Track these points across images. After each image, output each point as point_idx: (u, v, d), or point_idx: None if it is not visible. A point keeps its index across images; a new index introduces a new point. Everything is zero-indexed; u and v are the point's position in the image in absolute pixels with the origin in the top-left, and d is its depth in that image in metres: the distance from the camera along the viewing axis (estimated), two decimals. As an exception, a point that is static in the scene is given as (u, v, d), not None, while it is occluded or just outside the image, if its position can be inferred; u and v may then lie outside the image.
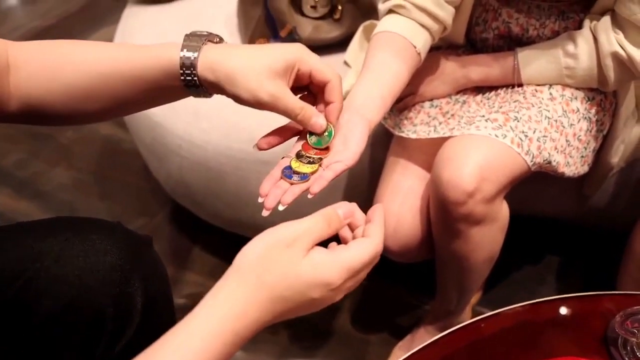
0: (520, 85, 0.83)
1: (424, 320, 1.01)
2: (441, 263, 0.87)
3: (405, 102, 0.88)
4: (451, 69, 0.86)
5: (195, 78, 0.50)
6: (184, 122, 0.97)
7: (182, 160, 0.99)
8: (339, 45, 1.02)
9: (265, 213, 0.56)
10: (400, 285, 1.16)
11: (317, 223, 0.45)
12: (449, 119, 0.84)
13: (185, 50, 0.49)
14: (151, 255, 0.60)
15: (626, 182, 0.98)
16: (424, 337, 0.99)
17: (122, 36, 1.16)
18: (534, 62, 0.81)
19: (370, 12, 1.01)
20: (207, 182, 1.00)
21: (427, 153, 0.84)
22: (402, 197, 0.83)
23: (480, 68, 0.84)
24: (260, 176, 0.95)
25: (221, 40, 0.54)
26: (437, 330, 0.98)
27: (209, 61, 0.50)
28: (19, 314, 0.52)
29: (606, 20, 0.76)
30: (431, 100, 0.88)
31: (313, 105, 0.57)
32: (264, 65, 0.50)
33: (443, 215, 0.76)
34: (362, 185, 0.97)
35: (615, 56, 0.76)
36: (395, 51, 0.71)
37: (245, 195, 0.99)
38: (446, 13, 0.77)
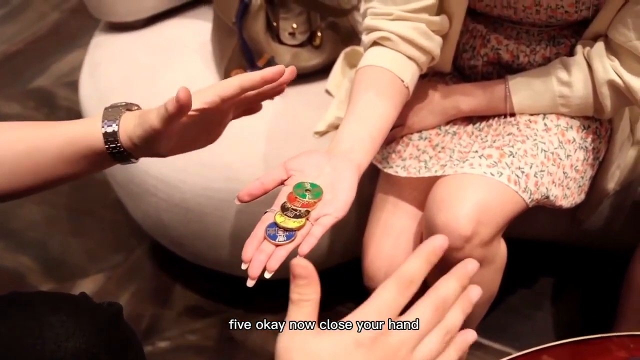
0: (513, 115, 0.79)
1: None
2: None
3: (392, 133, 0.84)
4: (439, 99, 0.81)
5: (119, 145, 0.51)
6: (158, 161, 0.91)
7: (159, 201, 0.93)
8: (320, 73, 0.98)
9: (250, 283, 0.51)
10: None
11: None
12: (439, 152, 0.80)
13: (105, 122, 0.51)
14: (121, 330, 0.55)
15: (621, 204, 0.95)
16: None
17: (91, 67, 1.10)
18: (526, 90, 0.77)
19: (351, 38, 0.97)
20: (186, 223, 0.94)
21: (418, 189, 0.79)
22: (394, 238, 0.79)
23: (470, 98, 0.80)
24: (241, 216, 0.92)
25: (139, 108, 0.54)
26: (435, 369, 0.94)
27: (123, 124, 0.51)
28: None
29: (600, 46, 0.73)
30: (420, 131, 0.83)
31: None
32: None
33: (438, 261, 0.71)
34: (350, 223, 0.92)
35: (612, 84, 0.72)
36: (382, 88, 0.67)
37: (226, 235, 0.93)
38: (434, 43, 0.73)
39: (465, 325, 0.85)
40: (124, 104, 0.53)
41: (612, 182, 0.86)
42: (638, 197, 0.93)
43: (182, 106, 0.47)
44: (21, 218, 1.33)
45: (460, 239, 0.68)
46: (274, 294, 1.16)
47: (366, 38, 0.73)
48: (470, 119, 0.83)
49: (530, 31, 0.77)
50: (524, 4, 0.72)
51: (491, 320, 1.09)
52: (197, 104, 0.50)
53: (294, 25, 0.93)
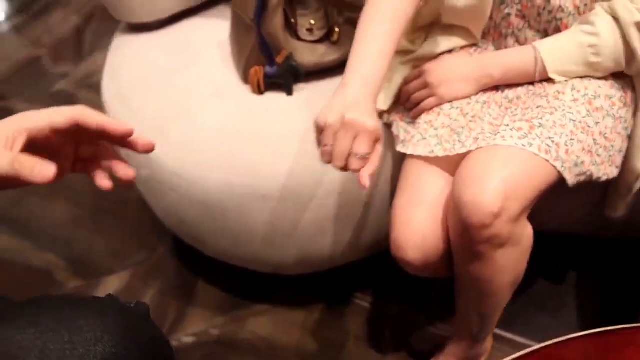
0: (544, 80, 0.80)
1: (444, 347, 0.97)
2: (461, 286, 0.82)
3: (422, 105, 0.84)
4: (471, 68, 0.82)
5: None
6: (179, 158, 0.92)
7: (180, 198, 0.95)
8: (338, 68, 0.98)
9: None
10: (417, 309, 1.12)
11: None
12: (470, 121, 0.81)
13: None
14: (149, 331, 0.54)
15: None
16: (445, 367, 0.95)
17: (113, 67, 1.12)
18: (554, 47, 0.78)
19: (369, 32, 0.97)
20: (206, 220, 0.96)
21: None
22: (425, 205, 0.78)
23: (502, 64, 0.81)
24: (263, 212, 0.93)
25: None
26: (459, 360, 0.94)
27: None
28: None
29: None
30: (450, 102, 0.84)
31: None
32: None
33: (464, 238, 0.72)
34: (377, 214, 0.92)
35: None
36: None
37: (247, 232, 0.94)
38: None
39: (490, 308, 0.85)
40: None
41: None
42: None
43: (31, 182, 0.45)
44: (48, 217, 1.36)
45: (488, 216, 0.67)
46: (296, 289, 1.17)
47: None
48: (498, 87, 0.84)
49: None
50: None
51: (513, 313, 1.09)
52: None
53: (312, 22, 0.94)
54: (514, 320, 1.07)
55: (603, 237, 1.08)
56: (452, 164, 0.78)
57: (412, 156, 0.83)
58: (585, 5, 0.78)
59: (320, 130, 0.68)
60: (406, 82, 0.87)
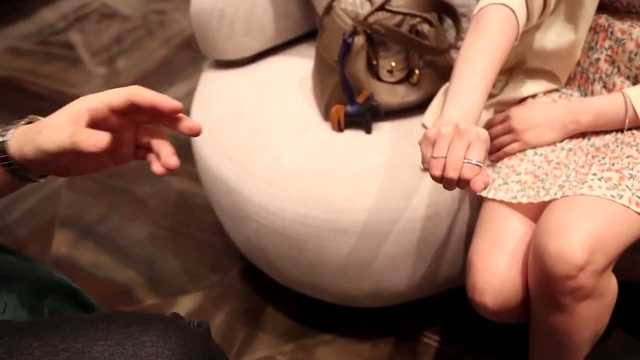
0: (634, 128, 0.78)
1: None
2: (537, 335, 0.80)
3: (506, 150, 0.85)
4: (559, 114, 0.82)
5: (10, 158, 0.50)
6: (261, 190, 0.97)
7: (260, 227, 0.99)
8: (417, 109, 1.01)
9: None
10: (486, 352, 1.09)
11: None
12: (554, 168, 0.80)
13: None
14: (209, 350, 0.56)
15: None
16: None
17: (201, 100, 1.20)
18: None
19: (448, 75, 0.99)
20: (283, 249, 1.00)
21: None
22: (507, 252, 0.77)
23: (591, 110, 0.80)
24: (338, 245, 0.96)
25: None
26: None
27: (16, 138, 0.50)
28: None
29: None
30: (535, 148, 0.84)
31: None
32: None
33: (546, 288, 0.71)
34: (454, 251, 0.93)
35: None
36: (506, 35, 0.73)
37: (322, 263, 0.97)
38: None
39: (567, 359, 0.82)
40: (30, 116, 0.53)
41: None
42: None
43: (94, 152, 0.47)
44: (130, 236, 1.45)
45: (573, 268, 0.67)
46: (363, 321, 1.18)
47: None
48: (584, 134, 0.83)
49: None
50: None
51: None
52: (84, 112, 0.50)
53: (393, 64, 0.97)
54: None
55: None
56: (534, 210, 0.78)
57: (492, 200, 0.83)
58: None
59: (431, 142, 0.65)
60: (489, 125, 0.88)
